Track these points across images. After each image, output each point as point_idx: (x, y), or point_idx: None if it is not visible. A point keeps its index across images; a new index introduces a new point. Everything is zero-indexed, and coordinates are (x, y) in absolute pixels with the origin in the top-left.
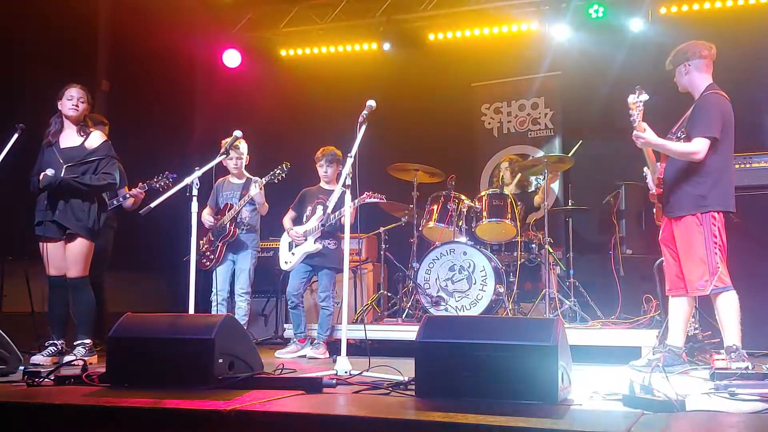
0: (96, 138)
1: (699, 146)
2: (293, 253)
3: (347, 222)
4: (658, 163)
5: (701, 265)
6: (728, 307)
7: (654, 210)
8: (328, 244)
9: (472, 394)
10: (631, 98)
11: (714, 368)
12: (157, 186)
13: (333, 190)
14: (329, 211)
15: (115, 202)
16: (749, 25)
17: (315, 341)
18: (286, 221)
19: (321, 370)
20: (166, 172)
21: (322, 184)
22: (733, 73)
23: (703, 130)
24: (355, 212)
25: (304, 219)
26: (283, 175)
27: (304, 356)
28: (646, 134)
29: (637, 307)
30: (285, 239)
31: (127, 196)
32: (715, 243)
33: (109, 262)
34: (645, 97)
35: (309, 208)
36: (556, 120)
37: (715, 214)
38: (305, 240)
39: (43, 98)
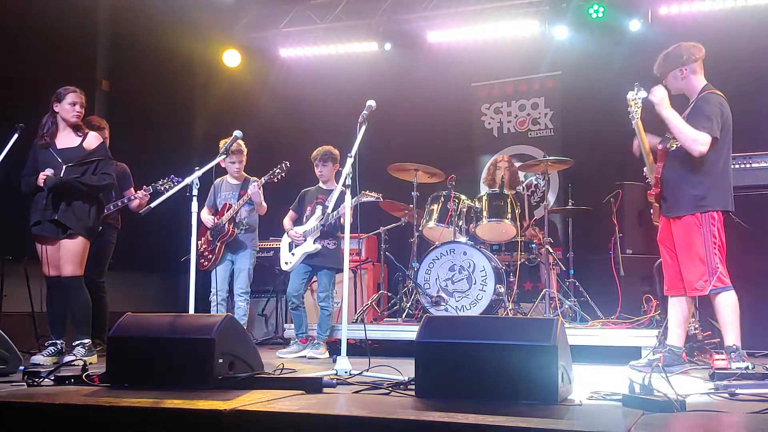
0: (93, 139)
1: (705, 138)
2: (293, 254)
3: (347, 222)
4: (656, 163)
5: (700, 265)
6: (728, 307)
7: (651, 210)
8: (328, 244)
9: (472, 394)
10: (630, 95)
11: (714, 368)
12: (162, 189)
13: (332, 190)
14: (329, 211)
15: (119, 204)
16: (749, 25)
17: (315, 341)
18: (286, 222)
19: (321, 370)
20: (171, 176)
21: (321, 184)
22: (733, 73)
23: (705, 128)
24: (354, 212)
25: (304, 219)
26: (282, 175)
27: (305, 356)
28: (661, 97)
29: (637, 307)
30: (285, 240)
31: (132, 198)
32: (715, 243)
33: (111, 261)
34: (643, 94)
35: (308, 208)
36: (556, 120)
37: (715, 214)
38: (304, 240)
39: (43, 98)
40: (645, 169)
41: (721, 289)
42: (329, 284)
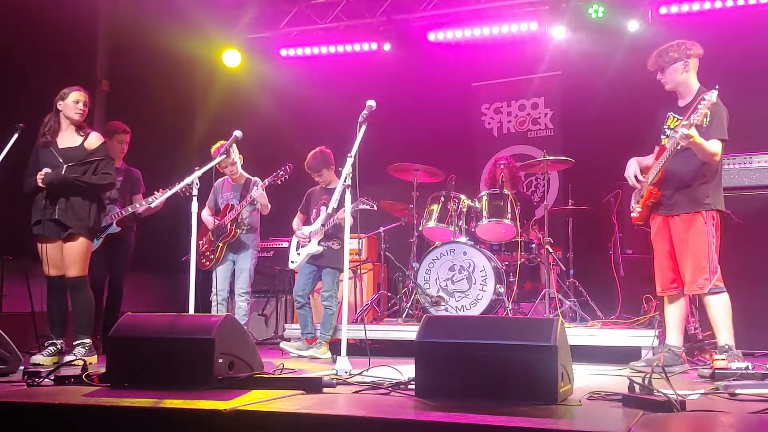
0: (94, 139)
1: (719, 148)
2: (299, 254)
3: (347, 222)
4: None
5: (704, 263)
6: (723, 309)
7: (639, 207)
8: (332, 244)
9: (472, 394)
10: (711, 96)
11: (714, 368)
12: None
13: (335, 189)
14: (329, 212)
15: (130, 209)
16: (749, 25)
17: (318, 341)
18: (295, 222)
19: (321, 370)
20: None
21: (323, 185)
22: (733, 73)
23: (720, 132)
24: (355, 214)
25: (312, 220)
26: (286, 177)
27: (309, 356)
28: (694, 132)
29: (637, 307)
30: (294, 239)
31: (147, 202)
32: (714, 242)
33: (131, 264)
34: (684, 130)
35: (314, 210)
36: (556, 120)
37: (715, 214)
38: (309, 241)
39: (43, 98)
40: (632, 162)
41: (718, 290)
42: (333, 284)
